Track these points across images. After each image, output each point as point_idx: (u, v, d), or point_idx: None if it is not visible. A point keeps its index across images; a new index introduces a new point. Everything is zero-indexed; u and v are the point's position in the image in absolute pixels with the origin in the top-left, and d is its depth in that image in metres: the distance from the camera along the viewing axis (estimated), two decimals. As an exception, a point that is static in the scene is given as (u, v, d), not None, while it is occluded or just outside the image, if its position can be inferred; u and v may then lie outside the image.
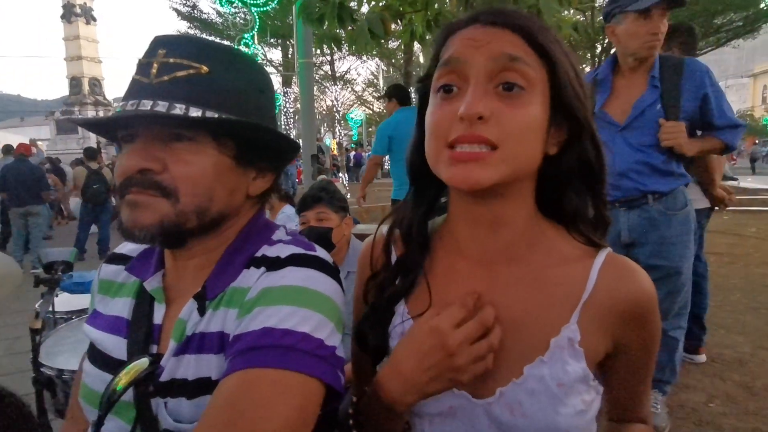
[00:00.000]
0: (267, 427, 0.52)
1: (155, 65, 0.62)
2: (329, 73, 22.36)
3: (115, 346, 0.68)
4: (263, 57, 18.71)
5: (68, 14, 19.30)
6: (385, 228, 0.71)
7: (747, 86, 44.97)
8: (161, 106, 0.60)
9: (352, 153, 21.92)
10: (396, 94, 4.04)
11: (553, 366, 0.57)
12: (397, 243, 0.69)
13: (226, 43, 0.70)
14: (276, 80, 21.16)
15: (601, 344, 0.60)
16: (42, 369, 1.43)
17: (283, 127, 17.85)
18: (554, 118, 0.58)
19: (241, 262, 0.67)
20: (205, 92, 0.62)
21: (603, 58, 10.60)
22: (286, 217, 3.22)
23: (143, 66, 0.63)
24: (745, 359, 2.70)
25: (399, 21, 3.35)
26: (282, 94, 18.19)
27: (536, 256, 0.62)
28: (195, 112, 0.60)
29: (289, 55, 18.34)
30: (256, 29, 10.01)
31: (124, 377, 0.60)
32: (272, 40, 18.67)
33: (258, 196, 0.72)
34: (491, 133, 0.53)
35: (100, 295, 0.77)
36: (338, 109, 23.35)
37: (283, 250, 0.67)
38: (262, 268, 0.65)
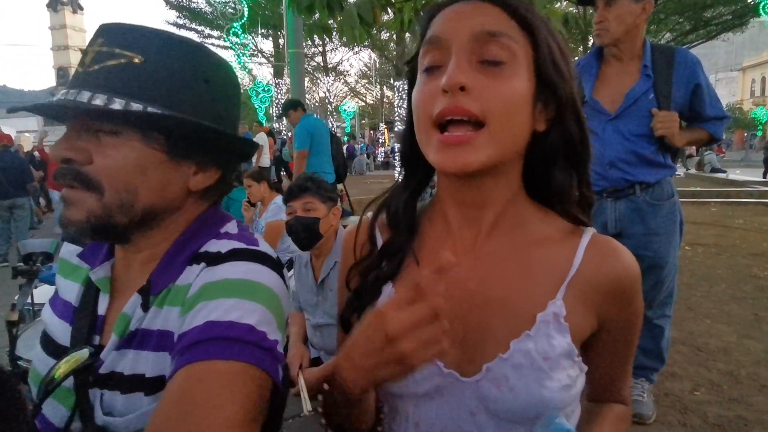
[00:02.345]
0: (221, 416, 0.51)
1: (90, 54, 0.60)
2: (321, 64, 22.18)
3: (62, 332, 0.68)
4: (254, 47, 18.51)
5: (54, 3, 18.94)
6: (370, 214, 0.70)
7: (736, 80, 45.39)
8: (83, 96, 0.58)
9: (345, 145, 21.84)
10: (299, 105, 5.07)
11: (539, 340, 0.57)
12: (382, 229, 0.68)
13: (172, 30, 0.67)
14: (267, 71, 20.97)
15: (586, 321, 0.61)
16: (19, 362, 1.40)
17: (274, 118, 17.70)
18: (540, 94, 0.58)
19: (185, 257, 0.66)
20: (133, 82, 0.59)
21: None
22: (278, 207, 3.21)
23: (83, 55, 0.62)
24: (729, 348, 2.73)
25: (389, 10, 3.31)
26: (273, 85, 18.01)
27: (522, 235, 0.63)
28: (116, 105, 0.58)
29: (281, 46, 18.15)
30: (245, 19, 9.87)
31: (63, 366, 0.59)
32: (263, 31, 18.46)
33: (205, 191, 0.70)
34: (474, 105, 0.53)
35: (58, 275, 0.76)
36: (331, 100, 23.21)
37: (225, 246, 0.66)
38: (202, 264, 0.64)
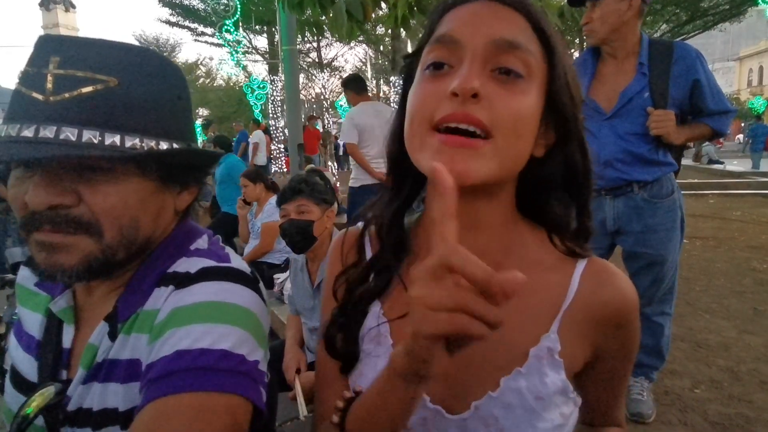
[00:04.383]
0: None
1: (50, 78, 0.52)
2: (316, 60, 22.06)
3: (29, 367, 0.64)
4: (248, 44, 18.38)
5: (47, 1, 18.81)
6: (361, 222, 0.66)
7: (733, 70, 45.35)
8: (68, 133, 0.51)
9: (342, 141, 21.67)
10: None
11: (531, 378, 0.54)
12: (373, 239, 0.64)
13: (131, 42, 0.62)
14: (263, 68, 20.85)
15: (580, 353, 0.57)
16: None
17: (270, 115, 17.65)
18: (547, 116, 0.54)
19: (152, 280, 0.62)
20: (118, 111, 0.54)
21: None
22: (273, 207, 3.19)
23: (34, 78, 0.53)
24: (729, 344, 2.71)
25: (383, 5, 3.26)
26: (269, 82, 17.90)
27: (514, 259, 0.58)
28: (111, 138, 0.53)
29: (275, 43, 18.02)
30: (237, 15, 9.76)
31: (33, 403, 0.57)
32: (257, 27, 18.34)
33: (186, 208, 0.69)
34: (484, 114, 0.48)
35: (18, 304, 0.72)
36: (326, 96, 23.09)
37: (195, 265, 0.62)
38: (171, 286, 0.60)
